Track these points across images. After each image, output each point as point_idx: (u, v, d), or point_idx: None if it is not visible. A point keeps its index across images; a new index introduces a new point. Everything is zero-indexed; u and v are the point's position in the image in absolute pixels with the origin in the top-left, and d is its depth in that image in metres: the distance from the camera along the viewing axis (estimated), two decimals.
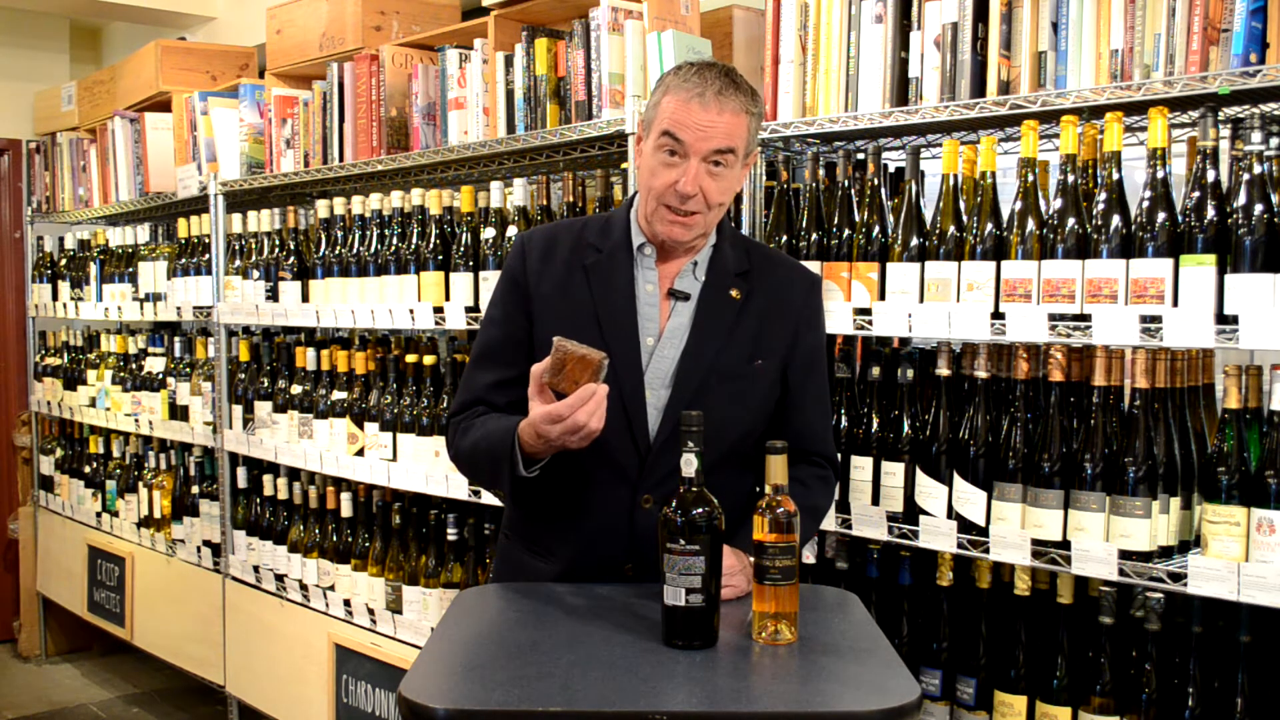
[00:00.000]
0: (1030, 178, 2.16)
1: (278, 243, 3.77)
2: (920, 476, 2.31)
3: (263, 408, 3.80)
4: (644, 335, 1.95)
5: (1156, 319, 1.94)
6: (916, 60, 2.35)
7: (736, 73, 1.90)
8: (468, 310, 3.01)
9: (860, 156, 2.59)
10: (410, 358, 3.22)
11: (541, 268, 2.01)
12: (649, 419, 1.93)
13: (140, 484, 4.61)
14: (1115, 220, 2.03)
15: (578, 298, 1.97)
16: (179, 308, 4.23)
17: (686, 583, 1.59)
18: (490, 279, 2.91)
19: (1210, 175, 1.93)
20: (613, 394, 1.90)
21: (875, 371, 2.45)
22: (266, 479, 3.83)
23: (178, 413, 4.33)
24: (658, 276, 1.99)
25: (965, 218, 2.26)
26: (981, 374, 2.25)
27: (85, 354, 5.11)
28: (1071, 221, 2.08)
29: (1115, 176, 2.05)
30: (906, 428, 2.36)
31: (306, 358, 3.61)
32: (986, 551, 2.18)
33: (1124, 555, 2.01)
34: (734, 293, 1.99)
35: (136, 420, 4.54)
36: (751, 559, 1.69)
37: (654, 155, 1.89)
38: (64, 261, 5.25)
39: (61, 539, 5.14)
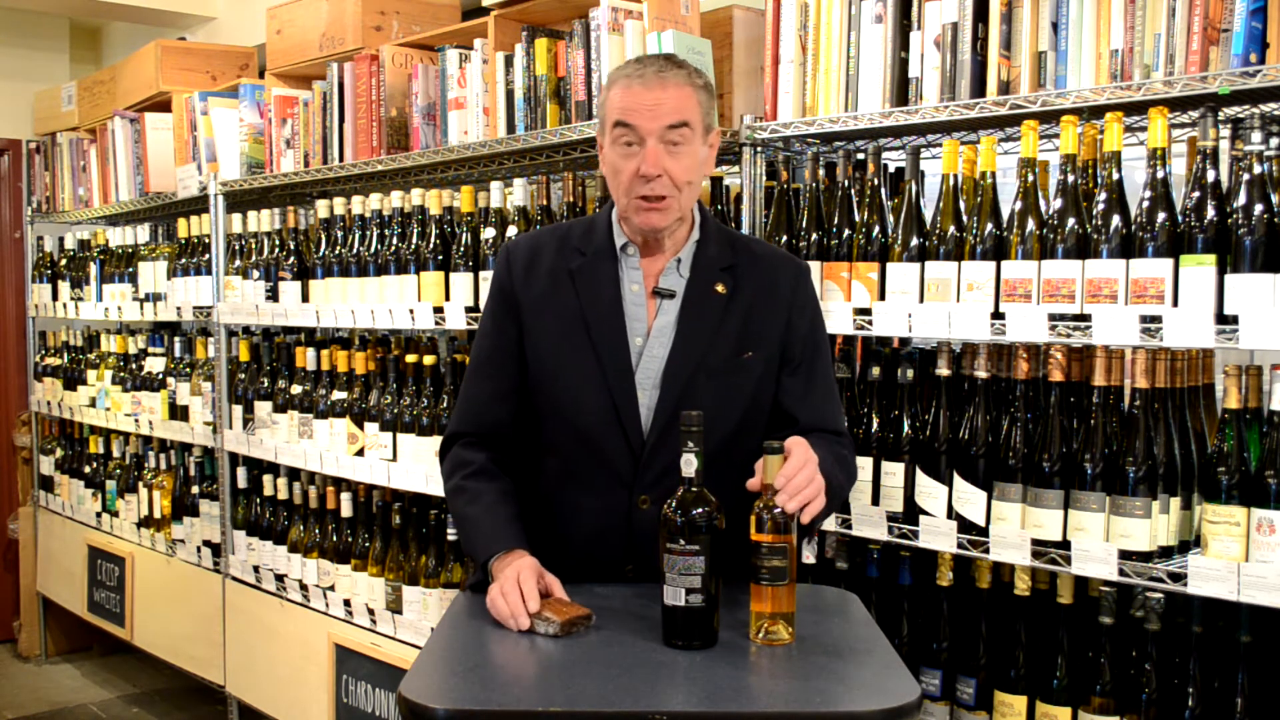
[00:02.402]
0: (1030, 178, 2.16)
1: (278, 243, 3.77)
2: (920, 476, 2.31)
3: (263, 408, 3.80)
4: (632, 336, 1.95)
5: (1156, 319, 1.94)
6: (916, 60, 2.35)
7: (677, 57, 1.95)
8: (468, 310, 3.01)
9: (860, 156, 2.59)
10: (410, 358, 3.22)
11: (527, 276, 2.02)
12: (641, 419, 1.93)
13: (140, 484, 4.61)
14: (1115, 220, 2.03)
15: (564, 302, 1.98)
16: (179, 308, 4.23)
17: (686, 583, 1.59)
18: (490, 279, 2.91)
19: (1210, 175, 1.93)
20: (604, 396, 1.92)
21: (875, 371, 2.45)
22: (266, 479, 3.83)
23: (178, 413, 4.33)
24: (642, 275, 1.99)
25: (965, 218, 2.26)
26: (981, 374, 2.25)
27: (85, 354, 5.11)
28: (1071, 221, 2.08)
29: (1115, 176, 2.05)
30: (906, 428, 2.36)
31: (306, 358, 3.61)
32: (986, 551, 2.19)
33: (1124, 555, 2.01)
34: (719, 287, 1.98)
35: (136, 420, 4.54)
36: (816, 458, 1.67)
37: (613, 150, 1.91)
38: (64, 261, 5.25)
39: (61, 539, 5.15)
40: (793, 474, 1.65)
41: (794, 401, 2.01)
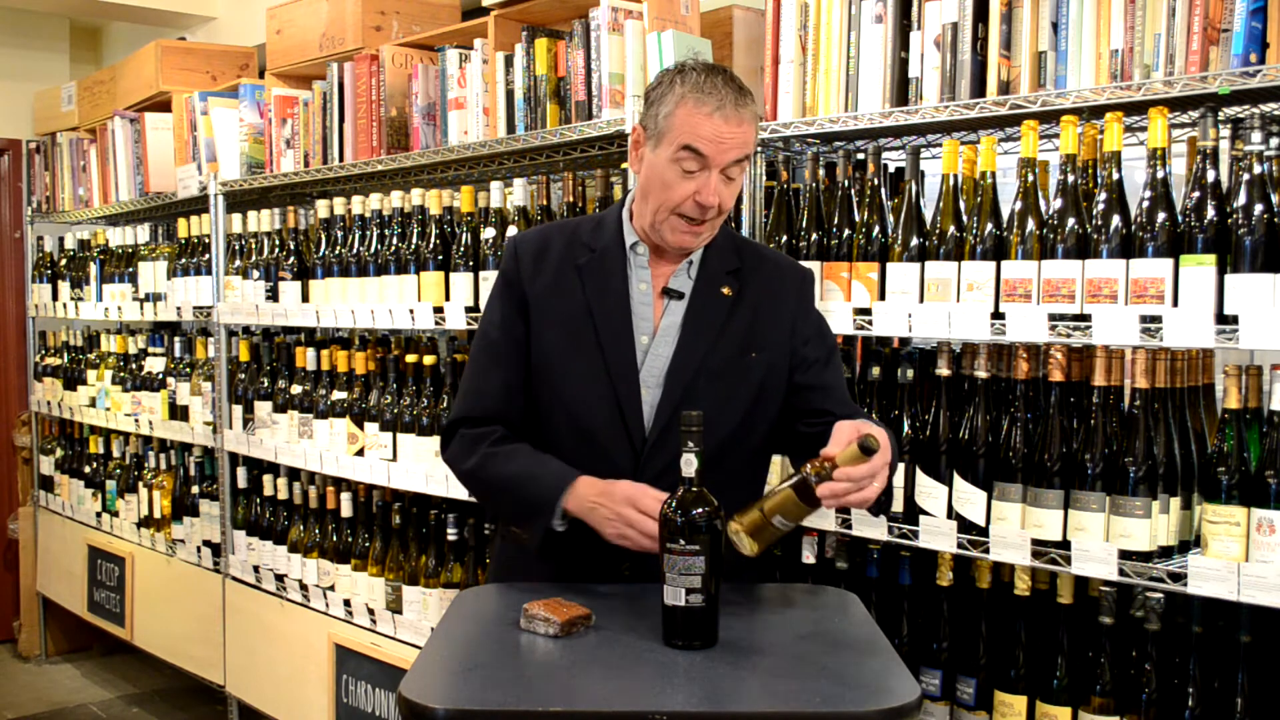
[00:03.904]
0: (1030, 178, 2.16)
1: (278, 243, 3.77)
2: (920, 476, 2.31)
3: (263, 408, 3.80)
4: (638, 334, 1.96)
5: (1156, 319, 1.94)
6: (916, 60, 2.35)
7: (738, 79, 1.92)
8: (468, 310, 3.01)
9: (860, 156, 2.59)
10: (410, 358, 3.22)
11: (535, 269, 2.02)
12: (644, 417, 1.93)
13: (140, 484, 4.61)
14: (1115, 220, 2.03)
15: (572, 298, 1.98)
16: (179, 308, 4.23)
17: (686, 583, 1.59)
18: (490, 279, 2.91)
19: (1210, 175, 1.93)
20: (608, 392, 1.92)
21: (875, 371, 2.45)
22: (266, 479, 3.83)
23: (178, 413, 4.33)
24: (651, 275, 2.00)
25: (965, 218, 2.26)
26: (981, 374, 2.25)
27: (85, 354, 5.11)
28: (1071, 221, 2.08)
29: (1115, 176, 2.05)
30: (906, 428, 2.36)
31: (306, 358, 3.61)
32: (986, 551, 2.18)
33: (1124, 555, 2.01)
34: (725, 290, 1.99)
35: (136, 420, 4.54)
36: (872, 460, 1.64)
37: (670, 167, 1.88)
38: (64, 261, 5.25)
39: (61, 539, 5.14)
40: (861, 476, 1.63)
41: (824, 397, 2.00)
